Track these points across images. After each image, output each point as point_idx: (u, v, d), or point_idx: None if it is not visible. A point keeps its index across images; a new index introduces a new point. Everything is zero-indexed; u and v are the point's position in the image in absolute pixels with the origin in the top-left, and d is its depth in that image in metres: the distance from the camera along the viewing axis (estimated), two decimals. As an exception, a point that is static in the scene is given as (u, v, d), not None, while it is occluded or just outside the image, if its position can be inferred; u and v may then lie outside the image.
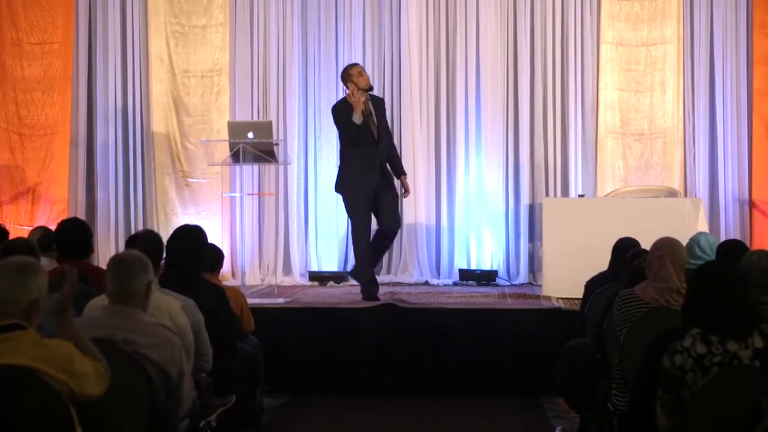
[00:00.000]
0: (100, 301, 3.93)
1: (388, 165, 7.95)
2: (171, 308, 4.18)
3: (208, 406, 4.94)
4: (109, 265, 3.74)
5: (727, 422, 2.96)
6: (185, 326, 4.24)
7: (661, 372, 3.38)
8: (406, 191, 8.29)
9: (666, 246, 4.79)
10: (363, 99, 7.75)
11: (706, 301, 3.46)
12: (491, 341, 7.45)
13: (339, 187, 8.01)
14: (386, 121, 8.05)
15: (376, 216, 7.98)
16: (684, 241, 7.25)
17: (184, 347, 4.20)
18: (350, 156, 7.87)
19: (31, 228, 7.40)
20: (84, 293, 4.51)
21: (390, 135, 8.12)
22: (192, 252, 4.85)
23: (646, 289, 4.73)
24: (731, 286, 3.48)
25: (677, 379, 3.32)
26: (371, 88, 7.89)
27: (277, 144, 8.51)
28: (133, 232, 9.52)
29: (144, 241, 4.42)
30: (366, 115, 7.76)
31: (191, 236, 4.92)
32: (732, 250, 5.24)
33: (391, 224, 8.00)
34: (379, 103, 8.02)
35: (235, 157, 8.16)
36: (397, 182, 8.10)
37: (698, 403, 3.11)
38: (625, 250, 5.71)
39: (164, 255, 4.73)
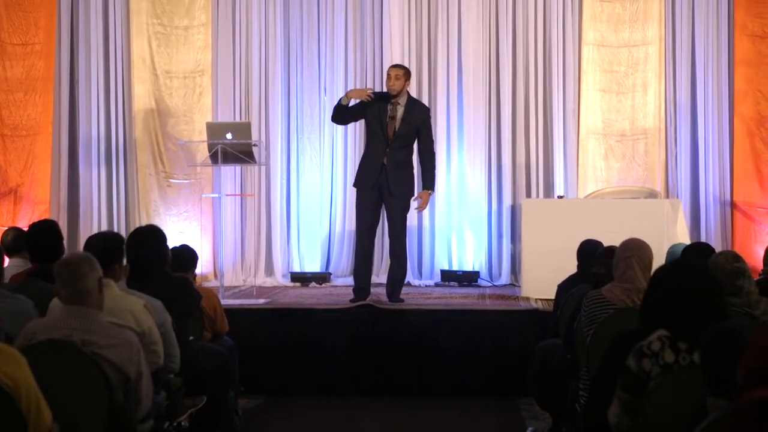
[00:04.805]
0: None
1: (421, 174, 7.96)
2: (134, 308, 4.18)
3: (177, 407, 4.95)
4: (57, 270, 3.74)
5: (674, 420, 2.97)
6: (149, 325, 4.24)
7: (626, 372, 3.33)
8: (420, 206, 8.01)
9: (633, 247, 4.80)
10: (392, 100, 7.77)
11: (670, 303, 3.40)
12: (469, 342, 7.46)
13: (354, 181, 8.10)
14: (417, 129, 7.83)
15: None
16: (663, 242, 7.35)
17: (149, 345, 4.21)
18: (365, 151, 8.03)
19: (12, 229, 7.38)
20: (51, 294, 4.52)
21: (427, 146, 7.90)
22: (150, 251, 4.86)
23: (613, 290, 4.74)
24: (698, 286, 3.43)
25: (642, 382, 3.29)
26: (390, 94, 7.80)
27: (255, 145, 8.50)
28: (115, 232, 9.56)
29: (102, 239, 4.43)
30: (388, 117, 7.78)
31: (147, 235, 4.93)
32: (699, 252, 5.23)
33: (390, 235, 8.00)
34: (416, 110, 7.90)
35: (214, 158, 8.15)
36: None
37: (649, 401, 3.12)
38: (589, 252, 5.72)
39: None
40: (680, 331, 3.30)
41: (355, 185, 8.02)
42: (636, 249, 4.80)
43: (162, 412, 4.51)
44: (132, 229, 9.48)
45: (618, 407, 3.33)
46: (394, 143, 7.79)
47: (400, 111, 7.82)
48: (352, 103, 7.87)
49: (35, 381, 3.15)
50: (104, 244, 4.27)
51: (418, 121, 7.89)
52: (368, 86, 7.95)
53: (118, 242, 4.42)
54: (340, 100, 7.92)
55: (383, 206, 7.90)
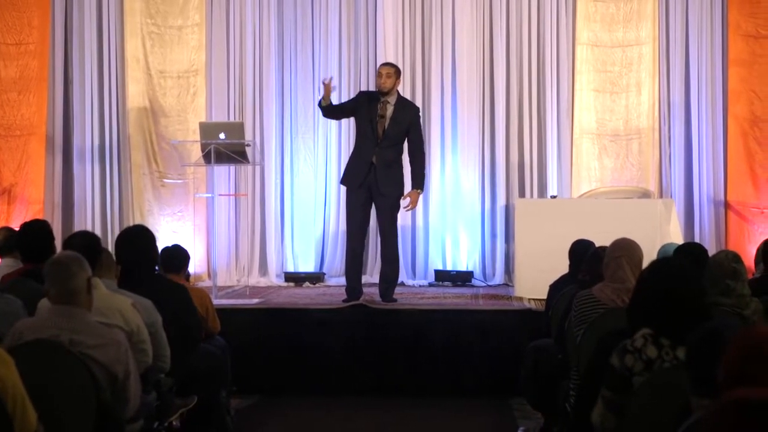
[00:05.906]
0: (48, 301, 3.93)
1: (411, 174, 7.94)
2: (122, 307, 4.18)
3: (168, 407, 4.95)
4: (46, 270, 3.74)
5: (660, 419, 2.97)
6: (138, 323, 4.24)
7: (610, 370, 3.35)
8: (408, 205, 7.89)
9: (623, 247, 4.81)
10: (382, 99, 7.76)
11: (656, 302, 3.41)
12: (462, 342, 7.47)
13: (341, 179, 8.14)
14: (406, 128, 7.80)
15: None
16: (656, 242, 7.34)
17: (137, 344, 4.21)
18: (354, 149, 8.03)
19: (5, 229, 7.37)
20: (41, 294, 4.52)
21: (417, 146, 7.87)
22: (139, 251, 4.85)
23: (603, 289, 4.75)
24: (684, 287, 3.43)
25: (625, 379, 3.30)
26: (382, 92, 7.81)
27: (248, 145, 8.50)
28: (109, 232, 9.56)
29: (84, 238, 4.43)
30: (378, 116, 7.77)
31: (135, 235, 4.93)
32: (691, 253, 5.23)
33: (381, 235, 8.03)
34: (405, 110, 7.88)
35: (207, 158, 8.15)
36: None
37: (635, 400, 3.12)
38: (581, 252, 5.72)
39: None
40: (665, 330, 3.31)
41: (343, 183, 8.05)
42: (626, 249, 4.81)
43: (152, 412, 4.52)
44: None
45: (602, 407, 3.34)
46: (383, 142, 7.79)
47: (389, 110, 7.82)
48: (335, 102, 7.95)
49: (22, 381, 3.14)
50: (86, 242, 4.27)
51: (408, 121, 7.86)
52: (324, 79, 7.98)
53: (97, 240, 4.45)
54: (319, 102, 7.96)
55: (373, 206, 7.91)
